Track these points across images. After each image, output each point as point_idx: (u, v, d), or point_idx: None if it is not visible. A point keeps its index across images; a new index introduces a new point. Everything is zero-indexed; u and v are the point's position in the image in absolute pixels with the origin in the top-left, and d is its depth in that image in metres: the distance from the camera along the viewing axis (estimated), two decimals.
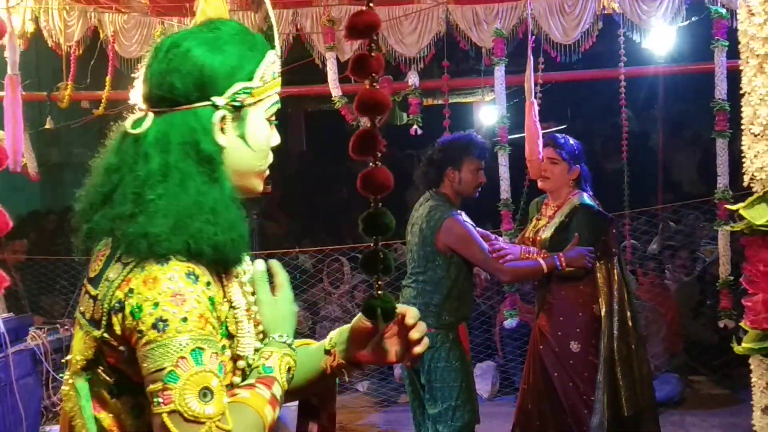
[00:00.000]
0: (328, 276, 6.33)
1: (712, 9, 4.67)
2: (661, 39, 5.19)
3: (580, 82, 7.39)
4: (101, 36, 5.60)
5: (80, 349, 1.29)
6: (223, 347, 1.27)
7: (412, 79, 5.43)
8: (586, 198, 3.53)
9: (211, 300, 1.22)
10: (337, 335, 1.46)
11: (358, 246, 5.89)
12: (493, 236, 3.72)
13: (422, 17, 5.29)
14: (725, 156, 4.65)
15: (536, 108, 4.46)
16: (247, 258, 1.43)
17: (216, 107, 1.30)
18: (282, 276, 1.43)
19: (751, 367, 1.66)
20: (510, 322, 5.05)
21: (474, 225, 3.52)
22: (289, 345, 1.37)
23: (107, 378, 1.27)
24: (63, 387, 1.34)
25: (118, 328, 1.20)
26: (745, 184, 1.70)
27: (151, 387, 1.16)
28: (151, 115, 1.31)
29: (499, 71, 5.06)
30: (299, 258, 6.90)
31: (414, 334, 1.36)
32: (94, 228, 1.28)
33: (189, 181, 1.25)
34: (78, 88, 5.78)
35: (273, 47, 1.38)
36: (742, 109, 1.73)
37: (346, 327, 1.44)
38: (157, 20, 5.48)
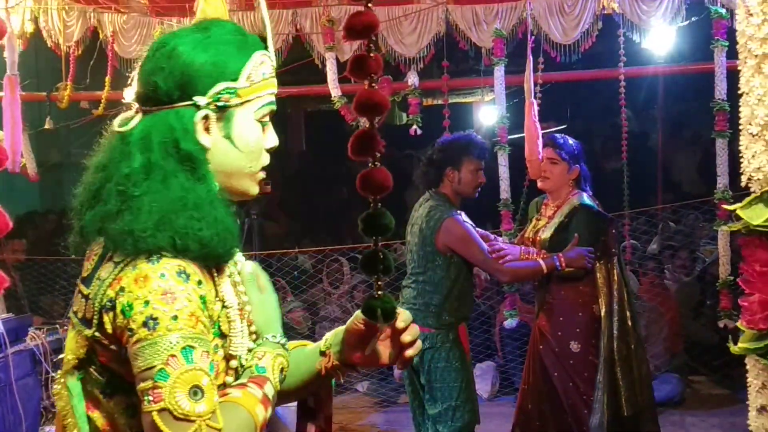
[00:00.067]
0: (327, 276, 6.33)
1: (711, 9, 4.66)
2: (660, 39, 5.19)
3: (580, 82, 7.39)
4: (101, 36, 5.61)
5: (72, 348, 1.29)
6: (216, 346, 1.27)
7: (412, 79, 5.43)
8: (586, 198, 3.53)
9: (203, 298, 1.22)
10: (332, 336, 1.46)
11: (358, 246, 5.90)
12: (492, 236, 3.72)
13: (422, 17, 5.29)
14: (725, 156, 4.65)
15: (536, 108, 4.46)
16: (240, 257, 1.43)
17: (198, 107, 1.29)
18: (264, 278, 1.43)
19: (747, 367, 1.67)
20: (510, 323, 5.05)
21: (474, 225, 3.52)
22: (283, 345, 1.38)
23: (99, 377, 1.27)
24: (55, 386, 1.34)
25: (109, 327, 1.20)
26: (742, 184, 1.71)
27: (142, 385, 1.16)
28: (139, 113, 1.32)
29: (499, 71, 5.06)
30: (299, 258, 6.90)
31: (406, 337, 1.36)
32: (85, 226, 1.28)
33: (172, 178, 1.25)
34: (77, 88, 5.79)
35: (264, 48, 1.37)
36: (740, 109, 1.74)
37: (341, 328, 1.44)
38: (156, 20, 5.49)
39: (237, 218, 1.35)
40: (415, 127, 5.43)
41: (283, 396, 1.45)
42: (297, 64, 5.61)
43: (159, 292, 1.17)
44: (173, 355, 1.15)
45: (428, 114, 5.71)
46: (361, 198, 1.24)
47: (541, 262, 3.41)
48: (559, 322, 3.51)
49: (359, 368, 1.47)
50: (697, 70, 5.84)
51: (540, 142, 4.02)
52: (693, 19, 4.98)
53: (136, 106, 1.34)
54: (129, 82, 1.39)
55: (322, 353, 1.46)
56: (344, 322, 1.45)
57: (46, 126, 5.93)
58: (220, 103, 1.30)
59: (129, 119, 1.32)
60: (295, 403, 1.57)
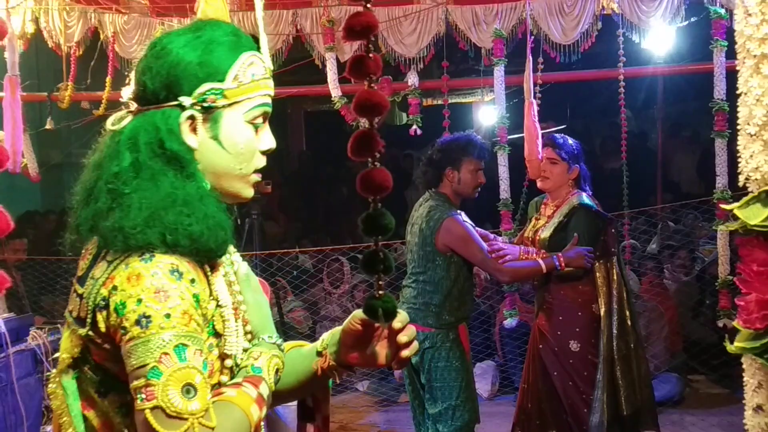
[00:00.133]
0: (328, 276, 6.34)
1: (711, 9, 4.67)
2: (660, 39, 5.19)
3: (580, 83, 7.40)
4: (101, 37, 5.61)
5: (67, 347, 1.30)
6: (210, 346, 1.28)
7: (412, 79, 5.44)
8: (585, 198, 3.54)
9: (196, 297, 1.22)
10: (329, 337, 1.46)
11: (358, 246, 5.91)
12: (492, 236, 3.73)
13: (422, 18, 5.30)
14: (724, 156, 4.65)
15: (535, 108, 4.47)
16: (238, 257, 1.44)
17: (183, 107, 1.29)
18: (255, 280, 1.44)
19: (744, 366, 1.67)
20: (510, 322, 5.06)
21: (473, 225, 3.53)
22: (278, 346, 1.38)
23: (93, 376, 1.27)
24: (50, 385, 1.34)
25: (102, 326, 1.21)
26: (740, 184, 1.71)
27: (135, 383, 1.16)
28: (131, 113, 1.33)
29: (499, 71, 5.07)
30: (299, 258, 6.91)
31: (402, 338, 1.35)
32: (78, 225, 1.29)
33: (161, 176, 1.26)
34: (78, 88, 5.79)
35: (256, 49, 1.36)
36: (738, 109, 1.74)
37: (338, 329, 1.44)
38: (157, 21, 5.49)
39: (231, 215, 1.35)
40: (415, 127, 5.44)
41: (280, 396, 1.46)
42: (297, 65, 5.62)
43: (152, 290, 1.17)
44: (166, 353, 1.15)
45: (428, 114, 5.72)
46: (361, 198, 1.24)
47: (541, 261, 3.41)
48: (558, 322, 3.52)
49: (356, 368, 1.47)
50: (696, 71, 5.84)
51: (539, 142, 4.03)
52: (692, 19, 4.99)
53: (133, 105, 1.35)
54: (127, 81, 1.40)
55: (319, 354, 1.46)
56: (344, 321, 1.45)
57: (47, 126, 5.94)
58: (206, 104, 1.30)
59: (122, 118, 1.33)
60: (295, 403, 1.58)
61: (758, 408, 1.63)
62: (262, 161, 1.38)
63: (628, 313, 3.51)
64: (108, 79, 5.61)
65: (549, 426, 3.54)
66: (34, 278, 6.23)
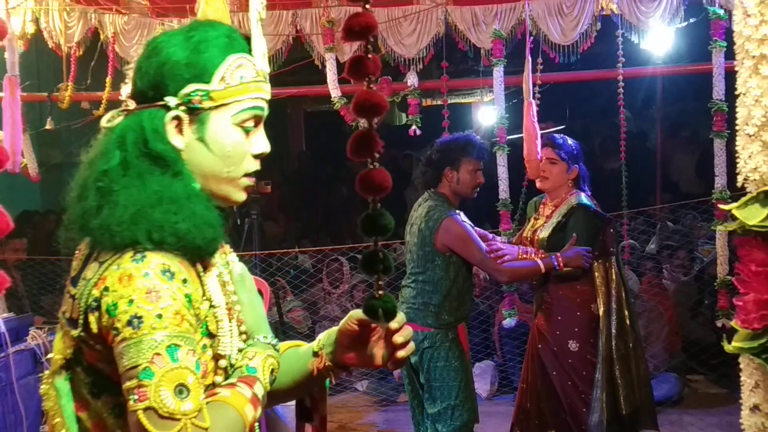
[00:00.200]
0: (327, 276, 6.34)
1: (710, 10, 4.68)
2: (659, 40, 5.20)
3: (579, 83, 7.40)
4: (101, 37, 5.62)
5: (60, 348, 1.29)
6: (204, 346, 1.27)
7: (411, 79, 5.44)
8: (584, 198, 3.54)
9: (188, 297, 1.22)
10: (325, 337, 1.46)
11: (358, 246, 5.91)
12: (491, 236, 3.73)
13: (421, 18, 5.31)
14: (723, 156, 4.66)
15: (535, 108, 4.47)
16: (234, 257, 1.44)
17: (168, 108, 1.29)
18: (250, 281, 1.44)
19: (741, 366, 1.68)
20: (509, 322, 5.06)
21: (472, 225, 3.54)
22: (274, 346, 1.38)
23: (86, 377, 1.27)
24: (42, 386, 1.33)
25: (94, 327, 1.20)
26: (738, 184, 1.72)
27: (127, 384, 1.16)
28: (124, 112, 1.33)
29: (498, 72, 5.07)
30: (299, 258, 6.91)
31: (398, 338, 1.34)
32: (70, 223, 1.29)
33: (148, 175, 1.26)
34: (78, 89, 5.79)
35: (246, 51, 1.34)
36: (737, 110, 1.75)
37: (334, 329, 1.44)
38: (157, 21, 5.50)
39: (224, 215, 1.34)
40: (414, 127, 5.45)
41: (277, 396, 1.46)
42: (297, 65, 5.63)
43: (143, 290, 1.17)
44: (158, 354, 1.15)
45: (427, 114, 5.73)
46: (360, 198, 1.24)
47: (539, 261, 3.41)
48: (557, 322, 3.52)
49: (353, 369, 1.47)
50: (695, 71, 5.84)
51: (539, 142, 4.03)
52: (691, 20, 4.99)
53: (132, 104, 1.35)
54: (125, 80, 1.40)
55: (315, 354, 1.45)
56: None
57: (47, 126, 5.94)
58: (191, 105, 1.29)
59: (116, 116, 1.33)
60: (294, 403, 1.58)
61: (755, 407, 1.63)
62: (253, 165, 1.36)
63: (626, 312, 3.52)
64: (108, 79, 5.62)
65: (548, 426, 3.55)
66: (34, 278, 6.24)
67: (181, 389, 1.15)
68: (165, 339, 1.16)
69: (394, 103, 5.74)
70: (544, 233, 3.55)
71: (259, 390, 1.30)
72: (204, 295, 1.29)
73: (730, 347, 1.65)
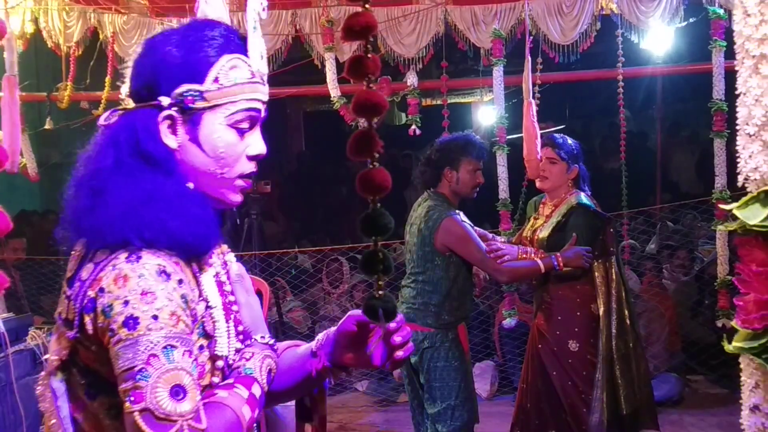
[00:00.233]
0: (327, 276, 6.34)
1: (709, 9, 4.68)
2: (659, 39, 5.20)
3: (579, 83, 7.41)
4: (101, 37, 5.62)
5: (55, 349, 1.28)
6: (201, 347, 1.26)
7: (411, 79, 5.45)
8: (584, 197, 3.54)
9: (184, 298, 1.21)
10: (324, 337, 1.45)
11: (357, 246, 5.91)
12: (490, 235, 3.73)
13: (421, 18, 5.31)
14: (723, 156, 4.66)
15: (534, 108, 4.47)
16: (232, 257, 1.43)
17: (161, 108, 1.28)
18: (248, 281, 1.43)
19: (741, 366, 1.68)
20: (509, 322, 5.06)
21: (472, 225, 3.53)
22: (271, 346, 1.37)
23: (82, 378, 1.26)
24: (38, 387, 1.32)
25: (90, 328, 1.19)
26: (739, 184, 1.72)
27: (123, 386, 1.15)
28: (120, 110, 1.33)
29: (498, 71, 5.07)
30: (298, 258, 6.91)
31: (397, 339, 1.33)
32: (66, 223, 1.28)
33: (140, 174, 1.25)
34: (77, 88, 5.80)
35: (242, 51, 1.32)
36: (737, 109, 1.74)
37: (333, 329, 1.43)
38: (156, 21, 5.50)
39: (217, 214, 1.33)
40: (414, 127, 5.45)
41: (276, 396, 1.46)
42: (297, 65, 5.63)
43: (138, 291, 1.16)
44: (154, 355, 1.14)
45: (427, 114, 5.73)
46: (360, 198, 1.23)
47: (539, 261, 3.41)
48: (557, 322, 3.52)
49: (351, 369, 1.46)
50: (695, 71, 5.85)
51: (538, 142, 4.03)
52: (691, 19, 4.99)
53: (129, 103, 1.34)
54: (123, 79, 1.40)
55: (314, 354, 1.44)
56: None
57: (47, 126, 5.94)
58: (184, 105, 1.28)
59: (113, 115, 1.33)
60: (294, 403, 1.58)
61: (755, 408, 1.63)
62: (248, 167, 1.35)
63: (627, 312, 3.52)
64: (107, 79, 5.62)
65: (548, 426, 3.54)
66: (34, 278, 6.23)
67: (178, 390, 1.14)
68: (161, 340, 1.15)
69: (393, 103, 5.74)
70: (543, 233, 3.55)
71: (257, 391, 1.29)
72: (200, 295, 1.28)
73: (730, 347, 1.65)
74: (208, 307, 1.29)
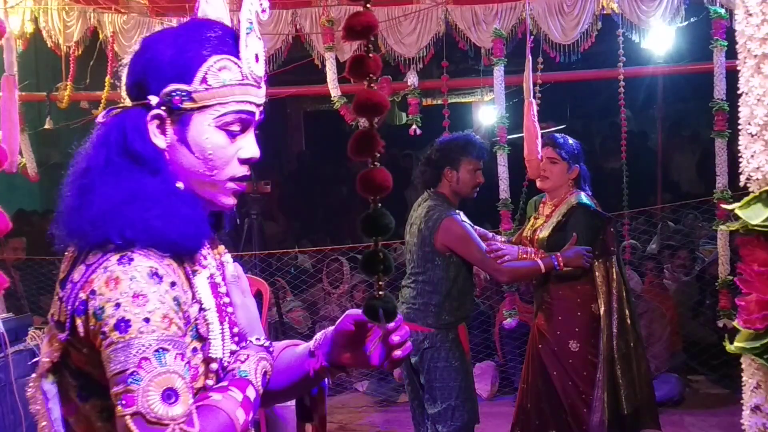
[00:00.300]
0: (327, 276, 6.34)
1: (711, 9, 4.67)
2: (660, 39, 5.20)
3: (579, 82, 7.41)
4: (100, 36, 5.61)
5: (47, 351, 1.27)
6: (194, 350, 1.25)
7: (411, 79, 5.44)
8: (584, 197, 3.54)
9: (176, 300, 1.20)
10: (321, 337, 1.44)
11: (358, 246, 5.91)
12: (490, 234, 3.72)
13: (421, 17, 5.30)
14: (724, 156, 4.66)
15: (535, 108, 4.47)
16: (229, 257, 1.42)
17: (149, 107, 1.27)
18: (245, 282, 1.41)
19: (743, 366, 1.68)
20: (509, 322, 5.06)
21: (472, 225, 3.53)
22: (267, 348, 1.36)
23: (74, 380, 1.25)
24: (29, 389, 1.31)
25: (81, 331, 1.18)
26: (741, 184, 1.72)
27: (115, 389, 1.13)
28: (117, 109, 1.32)
29: (498, 71, 5.07)
30: (298, 258, 6.91)
31: (395, 338, 1.32)
32: (58, 222, 1.27)
33: (126, 173, 1.24)
34: (77, 88, 5.80)
35: (232, 53, 1.29)
36: (739, 109, 1.74)
37: (331, 329, 1.42)
38: (156, 21, 5.49)
39: (207, 213, 1.31)
40: (414, 127, 5.44)
41: (274, 396, 1.45)
42: (296, 64, 5.62)
43: (130, 294, 1.15)
44: (146, 358, 1.13)
45: (428, 114, 5.73)
46: (360, 197, 1.23)
47: (539, 261, 3.41)
48: (557, 322, 3.51)
49: (349, 369, 1.45)
50: (696, 70, 5.85)
51: (539, 141, 4.02)
52: (692, 19, 4.99)
53: (127, 101, 1.33)
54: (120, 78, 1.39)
55: (311, 354, 1.44)
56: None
57: (46, 126, 5.94)
58: (172, 105, 1.26)
59: (112, 114, 1.32)
60: (294, 403, 1.57)
61: (756, 408, 1.63)
62: (239, 170, 1.32)
63: (627, 312, 3.51)
64: (107, 78, 5.61)
65: (549, 426, 3.54)
66: (33, 278, 6.23)
67: (170, 394, 1.13)
68: (153, 343, 1.14)
69: (394, 103, 5.75)
70: (543, 233, 3.55)
71: (251, 393, 1.28)
72: (194, 297, 1.26)
73: (732, 347, 1.65)
74: (201, 310, 1.27)
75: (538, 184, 3.68)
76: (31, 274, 6.25)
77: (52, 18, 5.57)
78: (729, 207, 1.70)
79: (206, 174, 1.30)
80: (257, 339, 1.36)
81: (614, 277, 3.51)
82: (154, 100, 1.27)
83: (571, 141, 3.63)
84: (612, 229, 3.67)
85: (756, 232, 1.62)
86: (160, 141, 1.28)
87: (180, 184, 1.29)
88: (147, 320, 1.14)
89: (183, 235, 1.23)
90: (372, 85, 1.19)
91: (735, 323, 1.66)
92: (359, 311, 1.34)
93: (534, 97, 4.58)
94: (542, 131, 4.33)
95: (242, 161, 1.32)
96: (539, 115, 4.49)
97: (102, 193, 1.22)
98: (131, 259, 1.18)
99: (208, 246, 1.37)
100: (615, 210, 5.17)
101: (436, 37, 5.32)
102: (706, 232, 6.50)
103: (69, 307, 1.20)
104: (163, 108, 1.27)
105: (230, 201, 1.34)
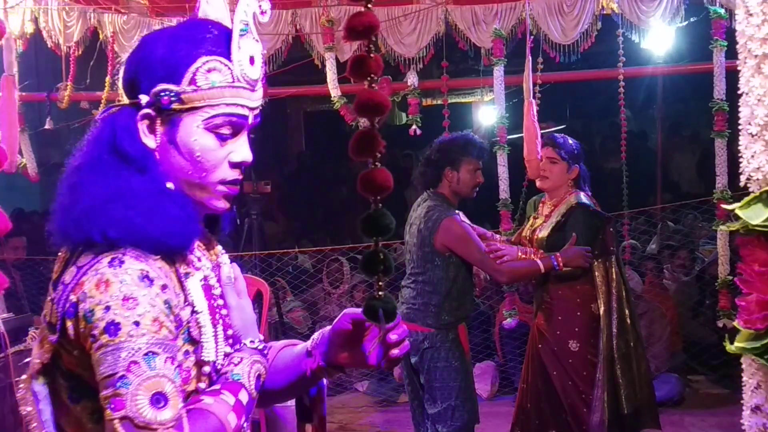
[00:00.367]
0: (327, 276, 6.34)
1: (710, 9, 4.67)
2: (660, 39, 5.19)
3: (579, 82, 7.40)
4: (101, 37, 5.61)
5: (38, 352, 1.27)
6: (186, 353, 1.24)
7: (411, 79, 5.44)
8: (583, 197, 3.54)
9: (168, 303, 1.19)
10: (319, 337, 1.43)
11: (358, 246, 5.91)
12: (490, 234, 3.73)
13: (421, 17, 5.30)
14: (724, 156, 4.66)
15: (535, 108, 4.47)
16: (226, 258, 1.41)
17: (139, 107, 1.26)
18: (242, 282, 1.40)
19: (743, 366, 1.68)
20: (509, 322, 5.06)
21: (472, 225, 3.53)
22: (261, 351, 1.34)
23: (65, 382, 1.24)
24: (19, 390, 1.31)
25: (72, 333, 1.18)
26: (741, 184, 1.72)
27: (104, 393, 1.13)
28: (115, 107, 1.32)
29: (498, 71, 5.07)
30: (299, 258, 6.91)
31: (392, 337, 1.31)
32: (50, 222, 1.26)
33: (113, 172, 1.23)
34: (77, 88, 5.79)
35: (224, 55, 1.27)
36: (740, 109, 1.74)
37: (328, 328, 1.41)
38: (156, 21, 5.49)
39: (194, 212, 1.29)
40: (414, 127, 5.44)
41: (271, 396, 1.45)
42: (296, 65, 5.61)
43: (120, 297, 1.14)
44: (135, 362, 1.12)
45: (428, 114, 5.72)
46: (361, 198, 1.22)
47: (539, 261, 3.41)
48: (557, 322, 3.51)
49: (347, 369, 1.44)
50: (696, 71, 5.84)
51: (539, 141, 4.03)
52: (692, 19, 4.99)
53: (125, 100, 1.33)
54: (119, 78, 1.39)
55: (309, 353, 1.43)
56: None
57: (47, 126, 5.93)
58: (161, 105, 1.25)
59: (110, 112, 1.32)
60: (293, 403, 1.57)
61: (756, 408, 1.63)
62: (230, 174, 1.30)
63: (627, 311, 3.51)
64: (107, 79, 5.60)
65: (548, 426, 3.54)
66: (33, 278, 6.23)
67: (159, 398, 1.12)
68: (142, 346, 1.13)
69: (394, 103, 5.73)
70: (543, 233, 3.55)
71: (244, 397, 1.26)
72: (186, 300, 1.25)
73: (732, 348, 1.65)
74: (194, 312, 1.26)
75: (538, 184, 3.68)
76: (31, 273, 6.25)
77: (52, 18, 5.57)
78: (729, 207, 1.70)
79: (195, 176, 1.28)
80: (251, 342, 1.34)
81: (614, 277, 3.52)
82: (144, 99, 1.26)
83: (570, 141, 3.63)
84: (611, 229, 3.67)
85: (756, 232, 1.62)
86: (149, 141, 1.27)
87: (170, 185, 1.28)
88: (137, 324, 1.13)
89: (167, 234, 1.21)
90: (373, 85, 1.19)
91: (735, 323, 1.66)
92: (357, 310, 1.34)
93: (534, 97, 4.58)
94: (542, 131, 4.33)
95: (233, 165, 1.31)
96: (539, 115, 4.49)
97: (88, 192, 1.21)
98: (122, 262, 1.17)
99: (204, 247, 1.36)
100: (615, 210, 5.17)
101: (436, 37, 5.32)
102: (706, 232, 6.50)
103: (60, 309, 1.19)
104: (153, 108, 1.26)
105: (221, 204, 1.32)
